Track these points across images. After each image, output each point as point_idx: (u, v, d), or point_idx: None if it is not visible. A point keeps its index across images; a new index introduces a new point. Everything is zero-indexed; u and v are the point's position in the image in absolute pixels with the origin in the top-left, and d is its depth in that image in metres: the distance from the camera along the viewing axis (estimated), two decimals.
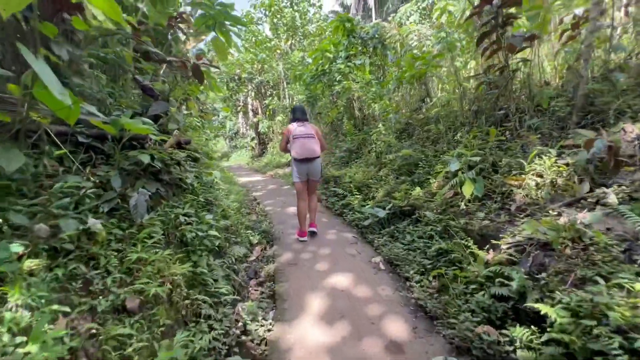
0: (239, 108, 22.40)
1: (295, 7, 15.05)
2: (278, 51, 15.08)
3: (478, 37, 3.81)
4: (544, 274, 1.96)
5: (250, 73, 17.25)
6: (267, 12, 15.45)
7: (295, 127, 3.78)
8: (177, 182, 2.90)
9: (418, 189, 3.87)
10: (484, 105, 4.17)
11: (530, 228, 2.24)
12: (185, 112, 5.26)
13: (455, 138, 4.22)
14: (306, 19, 15.22)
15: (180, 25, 4.68)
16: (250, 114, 21.69)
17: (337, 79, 7.78)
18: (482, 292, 2.14)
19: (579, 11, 3.63)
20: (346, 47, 8.31)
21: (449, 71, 4.97)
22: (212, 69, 6.13)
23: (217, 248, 2.81)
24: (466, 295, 2.23)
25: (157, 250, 2.05)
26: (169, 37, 4.53)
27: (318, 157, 3.75)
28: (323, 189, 6.61)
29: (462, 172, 3.30)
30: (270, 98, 16.00)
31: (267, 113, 17.75)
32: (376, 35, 7.73)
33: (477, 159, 3.30)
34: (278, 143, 15.17)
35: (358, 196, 5.09)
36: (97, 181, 2.11)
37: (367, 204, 4.58)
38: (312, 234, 4.00)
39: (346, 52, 8.25)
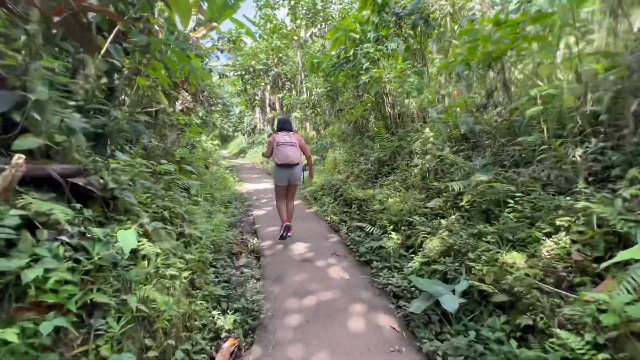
0: (255, 102, 20.99)
1: None
2: (295, 38, 13.38)
3: None
4: None
5: (266, 64, 15.72)
6: None
7: (280, 136, 4.05)
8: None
9: (517, 255, 2.12)
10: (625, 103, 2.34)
11: None
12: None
13: (574, 157, 2.42)
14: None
15: None
16: (268, 109, 20.26)
17: (364, 66, 6.03)
18: None
19: None
20: (376, 26, 6.51)
21: (547, 49, 3.12)
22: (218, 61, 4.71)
23: None
24: None
25: None
26: None
27: (298, 164, 4.06)
28: (342, 212, 4.93)
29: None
30: (285, 92, 14.36)
31: (285, 108, 16.22)
32: (417, 10, 5.88)
33: None
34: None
35: (395, 238, 3.38)
36: None
37: (413, 261, 2.87)
38: (287, 229, 4.19)
39: (376, 32, 6.45)
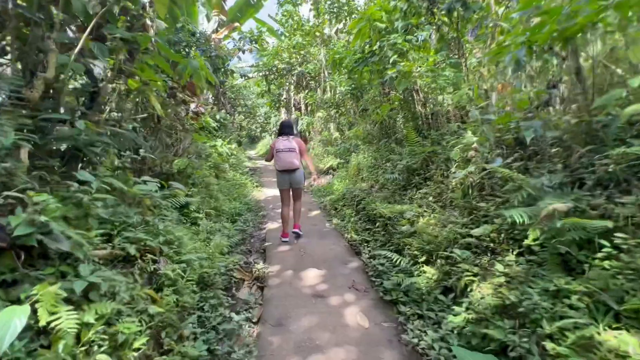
0: (280, 103, 20.67)
1: None
2: (318, 34, 12.77)
3: None
4: None
5: (289, 63, 15.24)
6: None
7: (279, 141, 4.16)
8: None
9: (627, 338, 1.35)
10: None
11: None
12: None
13: None
14: None
15: None
16: (292, 109, 19.84)
17: (391, 60, 5.27)
18: None
19: None
20: (404, 14, 5.73)
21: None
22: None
23: None
24: None
25: None
26: None
27: (297, 168, 4.14)
28: (364, 230, 4.25)
29: None
30: (308, 91, 13.82)
31: (310, 108, 15.67)
32: None
33: None
34: (315, 142, 13.05)
35: (430, 274, 2.66)
36: None
37: (454, 312, 2.15)
38: (297, 235, 4.41)
39: (404, 20, 5.67)
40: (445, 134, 4.55)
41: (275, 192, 8.09)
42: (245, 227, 4.70)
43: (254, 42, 12.57)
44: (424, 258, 2.85)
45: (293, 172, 4.13)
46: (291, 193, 4.39)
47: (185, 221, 3.48)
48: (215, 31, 12.91)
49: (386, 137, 6.73)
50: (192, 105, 7.00)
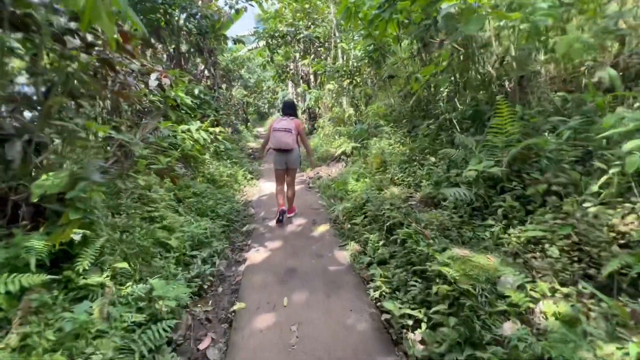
0: (286, 75, 18.40)
1: None
2: None
3: None
4: None
5: (293, 25, 12.93)
6: None
7: (278, 121, 4.18)
8: None
9: None
10: None
11: None
12: None
13: None
14: None
15: None
16: (300, 81, 17.58)
17: None
18: None
19: None
20: None
21: None
22: None
23: None
24: None
25: None
26: None
27: (292, 149, 4.09)
28: (405, 283, 2.41)
29: None
30: (312, 57, 11.65)
31: (321, 80, 13.45)
32: None
33: None
34: (324, 120, 10.95)
35: None
36: None
37: None
38: (287, 218, 4.35)
39: None
40: (548, 114, 2.55)
41: (273, 187, 6.26)
42: (203, 270, 2.90)
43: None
44: None
45: (288, 152, 4.12)
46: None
47: (53, 302, 1.73)
48: None
49: (424, 116, 4.71)
50: (153, 76, 5.12)
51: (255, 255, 3.50)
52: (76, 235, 1.96)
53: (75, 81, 2.82)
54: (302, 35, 13.21)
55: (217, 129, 6.36)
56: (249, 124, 21.76)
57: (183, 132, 5.27)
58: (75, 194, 1.87)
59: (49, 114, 2.53)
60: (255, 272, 3.11)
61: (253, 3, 10.93)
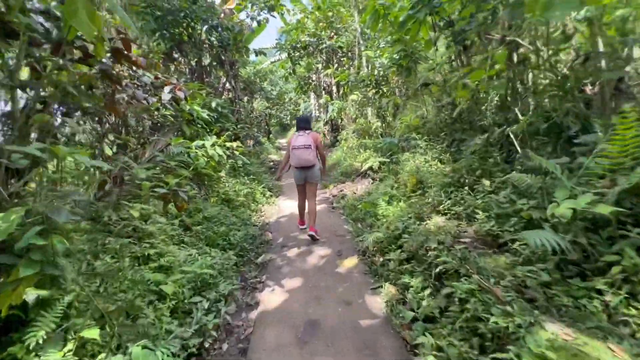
0: (308, 86, 18.14)
1: None
2: None
3: None
4: None
5: (315, 35, 12.59)
6: None
7: (295, 138, 4.12)
8: None
9: None
10: None
11: None
12: None
13: None
14: None
15: None
16: (323, 93, 17.21)
17: None
18: None
19: None
20: None
21: None
22: None
23: None
24: None
25: None
26: None
27: (313, 165, 4.08)
28: None
29: None
30: (335, 67, 11.21)
31: (344, 91, 12.95)
32: None
33: None
34: (347, 132, 10.34)
35: None
36: None
37: None
38: (312, 238, 4.12)
39: None
40: None
41: (293, 207, 5.72)
42: (204, 322, 2.35)
43: (268, 11, 10.00)
44: None
45: (309, 169, 4.11)
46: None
47: None
48: (224, 1, 10.61)
49: (466, 128, 4.03)
50: (166, 89, 4.79)
51: (270, 297, 2.94)
52: (30, 296, 1.48)
53: (67, 95, 2.43)
54: (324, 45, 12.86)
55: (235, 144, 5.95)
56: (271, 135, 21.59)
57: (197, 148, 4.87)
58: (23, 244, 1.39)
59: (27, 134, 2.13)
60: (269, 324, 2.53)
61: (275, 14, 10.71)
